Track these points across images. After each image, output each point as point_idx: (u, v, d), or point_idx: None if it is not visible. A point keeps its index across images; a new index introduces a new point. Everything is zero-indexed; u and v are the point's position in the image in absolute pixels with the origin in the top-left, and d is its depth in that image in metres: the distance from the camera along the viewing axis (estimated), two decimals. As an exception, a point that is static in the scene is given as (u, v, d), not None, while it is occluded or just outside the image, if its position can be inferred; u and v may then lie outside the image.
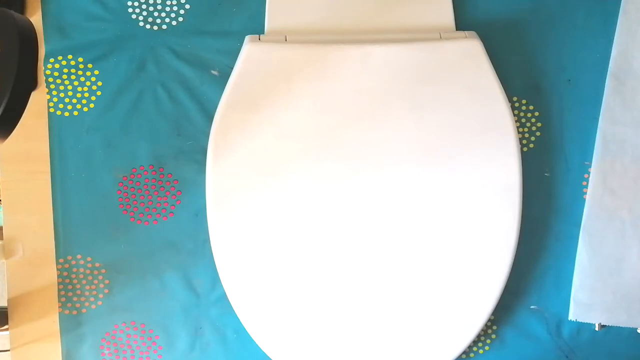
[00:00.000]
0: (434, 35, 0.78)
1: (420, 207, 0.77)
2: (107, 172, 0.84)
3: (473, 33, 0.79)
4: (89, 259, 0.85)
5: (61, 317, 0.86)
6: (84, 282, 0.85)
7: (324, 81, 0.77)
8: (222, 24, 0.83)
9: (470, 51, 0.77)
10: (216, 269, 0.77)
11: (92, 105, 0.83)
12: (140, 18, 0.83)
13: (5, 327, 0.86)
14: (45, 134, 0.83)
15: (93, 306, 0.86)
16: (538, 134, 0.85)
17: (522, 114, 0.85)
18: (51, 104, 0.83)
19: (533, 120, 0.85)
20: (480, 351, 0.87)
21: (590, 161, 0.84)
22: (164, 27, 0.83)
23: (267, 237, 0.77)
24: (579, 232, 0.84)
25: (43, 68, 0.82)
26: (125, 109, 0.83)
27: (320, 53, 0.77)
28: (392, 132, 0.77)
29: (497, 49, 0.81)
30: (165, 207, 0.84)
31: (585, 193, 0.85)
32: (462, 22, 0.82)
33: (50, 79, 0.83)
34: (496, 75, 0.78)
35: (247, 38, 0.78)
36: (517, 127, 0.83)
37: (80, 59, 0.83)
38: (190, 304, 0.85)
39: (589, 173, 0.84)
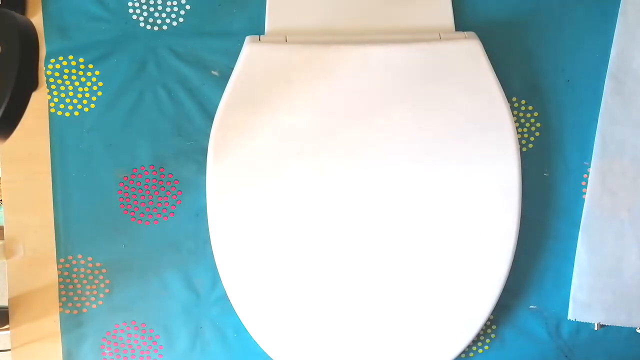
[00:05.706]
0: (434, 35, 0.79)
1: (420, 207, 0.77)
2: (107, 172, 0.84)
3: (472, 34, 0.79)
4: (89, 258, 0.85)
5: (62, 316, 0.86)
6: (84, 281, 0.85)
7: (324, 81, 0.77)
8: (222, 24, 0.83)
9: (470, 52, 0.77)
10: (216, 268, 0.77)
11: (92, 106, 0.83)
12: (141, 19, 0.83)
13: (6, 326, 0.86)
14: (46, 134, 0.83)
15: (94, 306, 0.86)
16: (537, 134, 0.85)
17: (521, 114, 0.85)
18: (52, 104, 0.83)
19: (532, 120, 0.85)
20: (480, 351, 0.87)
21: (589, 161, 0.84)
22: (165, 27, 0.83)
23: (268, 237, 0.77)
24: (578, 232, 0.84)
25: (44, 68, 0.82)
26: (126, 109, 0.83)
27: (320, 53, 0.77)
28: (392, 133, 0.77)
29: (496, 49, 0.81)
30: (165, 207, 0.85)
31: (585, 193, 0.85)
32: (462, 23, 0.82)
33: (51, 79, 0.83)
34: (495, 76, 0.78)
35: (248, 39, 0.78)
36: (517, 127, 0.83)
37: (81, 60, 0.83)
38: (190, 303, 0.86)
39: (588, 173, 0.85)
